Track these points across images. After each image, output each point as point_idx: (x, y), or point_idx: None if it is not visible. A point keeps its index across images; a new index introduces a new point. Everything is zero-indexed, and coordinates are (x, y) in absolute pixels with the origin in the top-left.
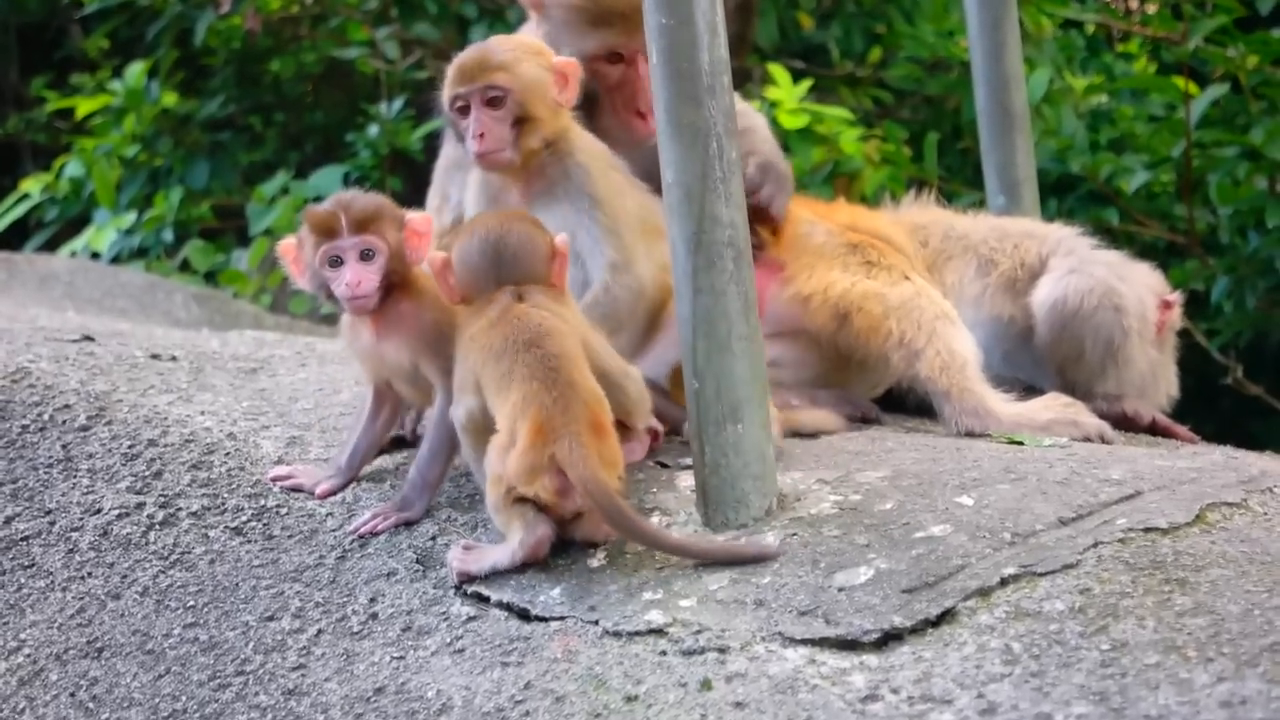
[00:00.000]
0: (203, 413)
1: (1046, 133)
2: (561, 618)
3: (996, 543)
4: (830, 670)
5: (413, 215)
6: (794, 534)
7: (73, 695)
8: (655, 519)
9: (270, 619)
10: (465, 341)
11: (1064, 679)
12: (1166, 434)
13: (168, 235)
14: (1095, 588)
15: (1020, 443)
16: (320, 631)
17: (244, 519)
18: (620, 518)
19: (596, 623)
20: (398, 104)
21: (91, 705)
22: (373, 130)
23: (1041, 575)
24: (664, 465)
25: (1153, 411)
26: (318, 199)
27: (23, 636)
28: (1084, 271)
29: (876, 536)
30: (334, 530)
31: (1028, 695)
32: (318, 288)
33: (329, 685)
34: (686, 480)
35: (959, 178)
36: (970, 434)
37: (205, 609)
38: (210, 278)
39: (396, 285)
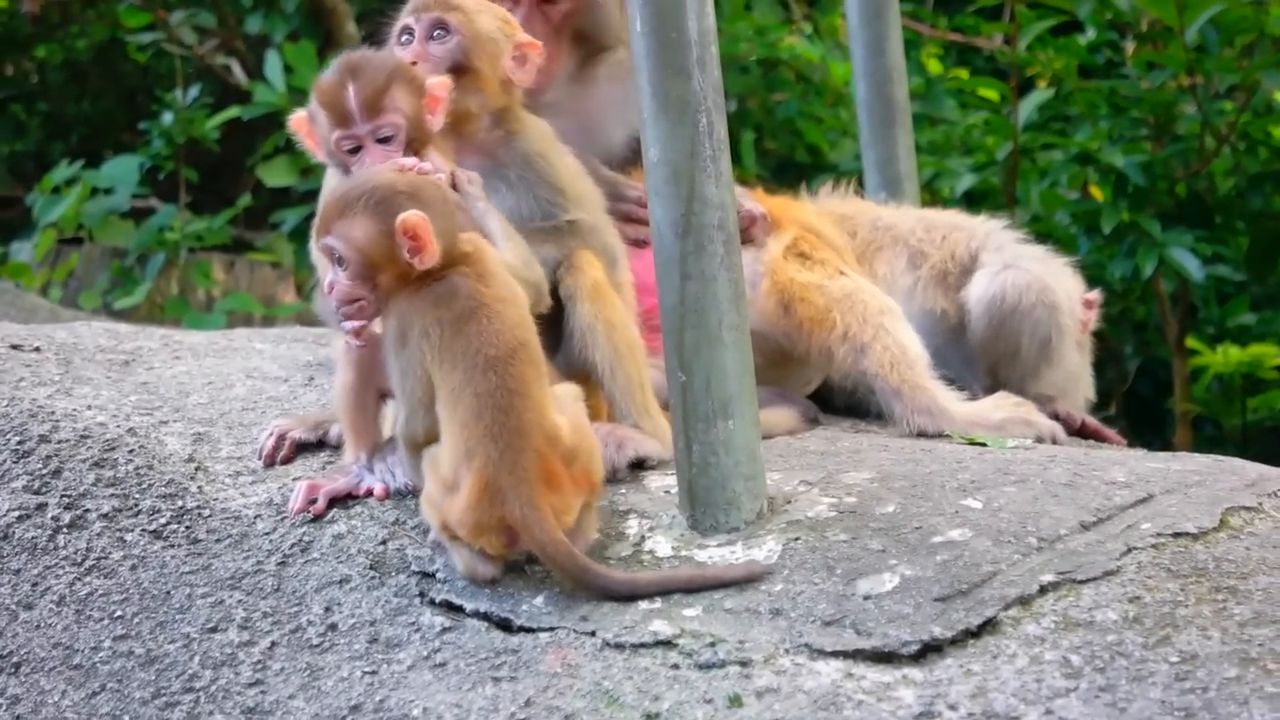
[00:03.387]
0: (89, 407)
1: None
2: (551, 629)
3: (1024, 548)
4: (872, 685)
5: (431, 80)
6: (796, 538)
7: None
8: (634, 523)
9: (213, 630)
10: (417, 337)
11: (1139, 693)
12: (1096, 437)
13: None
14: (1145, 596)
15: (983, 444)
16: (274, 644)
17: (162, 521)
18: (586, 577)
19: (593, 634)
20: (194, 91)
21: None
22: (167, 118)
23: (1082, 583)
24: (642, 466)
25: (1082, 414)
26: (108, 190)
27: None
28: (1019, 267)
29: (890, 541)
30: (267, 534)
31: (1101, 711)
32: (338, 166)
33: (295, 703)
34: (656, 480)
35: (772, 180)
36: (923, 434)
37: (135, 619)
38: None
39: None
